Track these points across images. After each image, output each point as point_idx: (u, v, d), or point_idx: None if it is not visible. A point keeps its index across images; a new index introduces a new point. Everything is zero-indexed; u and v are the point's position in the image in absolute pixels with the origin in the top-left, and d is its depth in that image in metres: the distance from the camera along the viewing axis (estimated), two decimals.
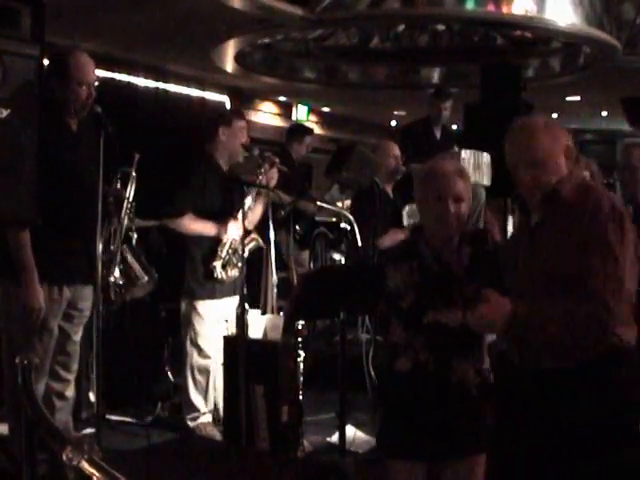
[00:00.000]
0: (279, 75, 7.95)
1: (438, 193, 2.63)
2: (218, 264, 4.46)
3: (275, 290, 4.94)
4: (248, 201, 4.45)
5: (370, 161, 5.60)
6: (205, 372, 4.57)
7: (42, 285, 3.49)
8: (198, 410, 4.58)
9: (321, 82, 8.33)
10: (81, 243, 3.61)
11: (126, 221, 3.90)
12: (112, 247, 3.88)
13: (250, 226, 4.55)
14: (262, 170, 4.52)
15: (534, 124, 2.52)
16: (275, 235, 4.92)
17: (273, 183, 4.65)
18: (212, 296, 4.51)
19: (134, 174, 3.97)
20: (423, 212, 2.73)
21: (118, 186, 3.87)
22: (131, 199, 3.94)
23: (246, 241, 4.36)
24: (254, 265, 5.20)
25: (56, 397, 3.67)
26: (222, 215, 4.47)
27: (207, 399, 4.61)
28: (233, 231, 4.44)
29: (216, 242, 4.47)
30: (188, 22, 5.70)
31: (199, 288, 4.50)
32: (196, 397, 4.57)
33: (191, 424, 4.57)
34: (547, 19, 5.93)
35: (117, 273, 3.92)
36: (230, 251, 4.48)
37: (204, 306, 4.52)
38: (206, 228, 4.46)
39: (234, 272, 4.48)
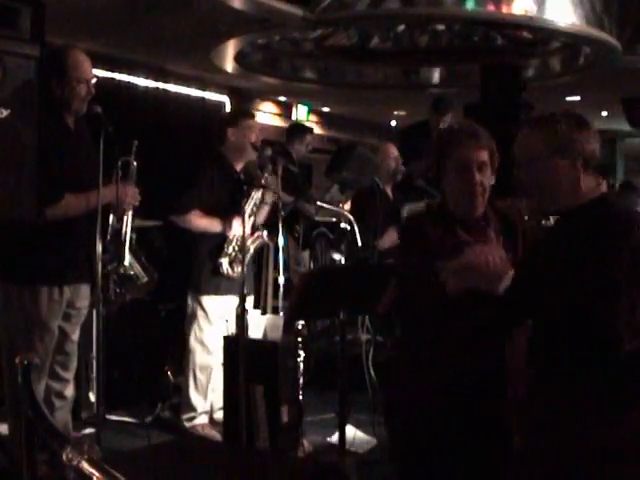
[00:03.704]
0: (279, 75, 7.94)
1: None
2: (225, 260, 4.49)
3: (282, 290, 4.95)
4: (253, 199, 4.52)
5: (370, 161, 5.61)
6: (206, 370, 4.57)
7: (42, 286, 3.49)
8: (195, 410, 4.58)
9: (321, 82, 8.32)
10: (80, 241, 3.61)
11: (131, 212, 3.88)
12: (122, 237, 3.85)
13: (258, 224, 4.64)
14: (265, 171, 4.56)
15: None
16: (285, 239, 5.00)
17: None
18: (217, 292, 4.53)
19: (134, 163, 3.90)
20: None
21: (119, 176, 3.84)
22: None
23: (251, 239, 4.42)
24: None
25: (55, 397, 3.67)
26: (229, 213, 4.51)
27: (206, 398, 4.61)
28: (237, 228, 4.47)
29: (223, 239, 4.50)
30: (188, 22, 5.69)
31: (205, 283, 4.53)
32: (195, 396, 4.57)
33: (187, 424, 4.58)
34: (547, 19, 5.92)
35: (127, 262, 3.88)
36: (237, 248, 4.50)
37: (209, 301, 4.54)
38: (211, 225, 4.50)
39: (240, 269, 4.51)
